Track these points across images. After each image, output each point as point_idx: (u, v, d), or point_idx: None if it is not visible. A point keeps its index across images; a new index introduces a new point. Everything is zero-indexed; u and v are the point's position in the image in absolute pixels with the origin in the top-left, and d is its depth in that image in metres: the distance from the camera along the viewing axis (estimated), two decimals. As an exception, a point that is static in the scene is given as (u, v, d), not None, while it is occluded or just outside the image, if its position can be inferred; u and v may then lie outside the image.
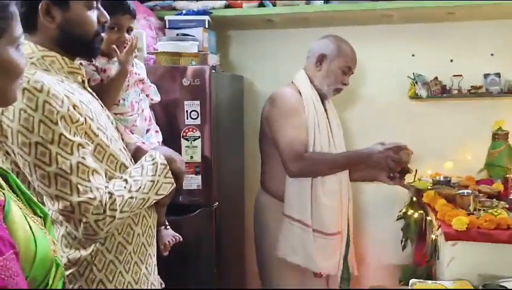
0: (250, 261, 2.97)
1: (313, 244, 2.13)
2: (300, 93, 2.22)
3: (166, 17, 2.79)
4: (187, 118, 2.40)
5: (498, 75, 2.88)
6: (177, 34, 2.67)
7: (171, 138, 2.27)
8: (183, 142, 2.41)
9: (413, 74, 2.98)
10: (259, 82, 3.25)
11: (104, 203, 1.27)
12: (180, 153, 2.34)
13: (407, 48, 3.05)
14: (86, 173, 1.26)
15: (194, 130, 2.41)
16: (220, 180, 2.49)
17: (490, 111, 2.93)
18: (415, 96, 2.97)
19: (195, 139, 2.42)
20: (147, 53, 2.57)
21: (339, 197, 2.25)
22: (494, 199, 2.41)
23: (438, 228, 2.10)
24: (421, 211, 2.63)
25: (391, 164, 2.11)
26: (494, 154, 2.78)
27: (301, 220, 2.14)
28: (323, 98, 2.29)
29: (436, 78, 2.94)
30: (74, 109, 1.27)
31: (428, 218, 2.32)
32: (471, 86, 2.90)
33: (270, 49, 3.21)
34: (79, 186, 1.25)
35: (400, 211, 2.81)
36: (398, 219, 2.91)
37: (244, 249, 3.12)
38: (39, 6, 1.28)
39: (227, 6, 2.85)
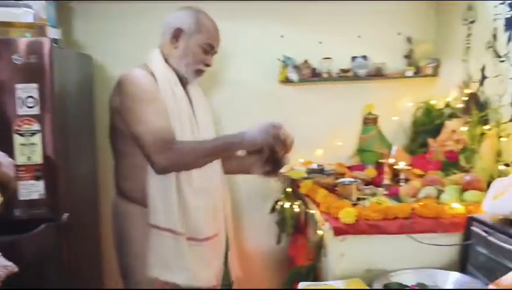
0: (112, 282, 2.57)
1: (189, 255, 1.81)
2: (154, 75, 1.84)
3: (-12, -21, 2.17)
4: (21, 107, 1.89)
5: (365, 57, 2.86)
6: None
7: (-2, 133, 1.75)
8: (17, 139, 1.92)
9: (283, 56, 2.81)
10: (113, 64, 2.79)
11: None
12: (13, 153, 1.82)
13: (276, 28, 2.87)
14: None
15: (32, 122, 1.93)
16: (68, 185, 2.02)
17: (360, 95, 2.92)
18: (286, 80, 2.80)
19: (33, 134, 1.95)
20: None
21: (212, 195, 1.95)
22: (371, 186, 2.36)
23: (325, 223, 1.93)
24: (298, 203, 2.48)
25: (270, 141, 1.85)
26: (366, 139, 2.76)
27: (171, 229, 1.79)
28: (183, 80, 1.94)
29: (306, 61, 2.81)
30: None
31: (312, 211, 2.15)
32: (340, 69, 2.83)
33: (126, 25, 2.77)
34: None
35: (276, 204, 2.63)
36: (271, 212, 2.76)
37: (103, 268, 2.67)
38: None
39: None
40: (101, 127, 2.67)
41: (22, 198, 1.84)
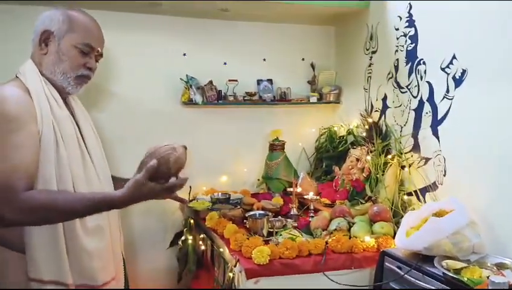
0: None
1: None
2: (29, 93, 1.52)
3: None
4: None
5: (270, 81, 2.78)
6: None
7: None
8: None
9: (186, 76, 2.62)
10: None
11: None
12: None
13: (178, 46, 2.67)
14: None
15: None
16: None
17: (266, 120, 2.82)
18: (189, 102, 2.61)
19: None
20: None
21: (108, 234, 1.67)
22: (280, 217, 2.25)
23: (236, 264, 1.77)
24: (202, 236, 2.29)
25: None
26: (272, 167, 2.65)
27: (57, 281, 1.49)
28: (63, 94, 1.64)
29: (211, 82, 2.64)
30: None
31: (220, 249, 1.97)
32: (246, 93, 2.71)
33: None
34: None
35: (178, 239, 2.42)
36: (171, 246, 2.53)
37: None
38: None
39: None
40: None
41: None
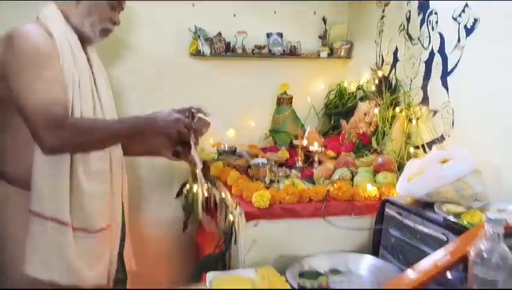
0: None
1: (74, 250, 1.55)
2: (51, 34, 1.55)
3: None
4: None
5: (280, 35, 2.73)
6: None
7: None
8: None
9: (195, 27, 2.59)
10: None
11: None
12: None
13: (187, -4, 2.63)
14: None
15: None
16: None
17: (273, 73, 2.78)
18: (197, 53, 2.59)
19: None
20: None
21: (109, 180, 1.71)
22: (284, 167, 2.25)
23: (236, 207, 1.78)
24: (207, 186, 2.31)
25: (182, 129, 1.65)
26: (279, 120, 2.64)
27: (57, 218, 1.52)
28: (85, 42, 1.69)
29: (219, 33, 2.61)
30: None
31: (223, 195, 1.99)
32: (255, 46, 2.67)
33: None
34: None
35: (184, 188, 2.44)
36: (177, 196, 2.56)
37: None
38: None
39: None
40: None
41: None
